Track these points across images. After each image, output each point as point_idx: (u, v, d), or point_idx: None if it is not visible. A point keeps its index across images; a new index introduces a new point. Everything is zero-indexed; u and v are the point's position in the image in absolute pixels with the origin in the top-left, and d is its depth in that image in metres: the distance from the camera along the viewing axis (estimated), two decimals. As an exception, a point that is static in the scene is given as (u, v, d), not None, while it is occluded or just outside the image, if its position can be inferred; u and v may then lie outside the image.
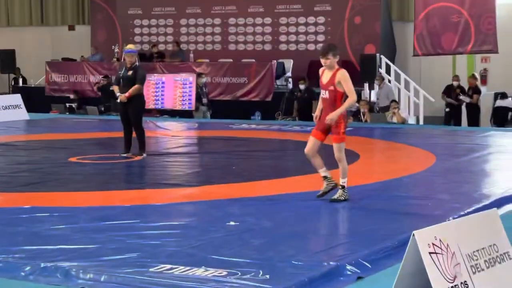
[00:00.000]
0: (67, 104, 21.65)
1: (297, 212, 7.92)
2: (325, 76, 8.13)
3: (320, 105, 8.31)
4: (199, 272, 5.65)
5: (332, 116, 8.01)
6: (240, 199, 8.69)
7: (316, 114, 8.34)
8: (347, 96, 8.11)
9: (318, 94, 8.62)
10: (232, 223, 7.28)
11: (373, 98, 19.90)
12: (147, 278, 5.52)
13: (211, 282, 5.39)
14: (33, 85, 24.37)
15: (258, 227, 7.22)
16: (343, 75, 8.02)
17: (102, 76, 21.91)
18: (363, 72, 19.79)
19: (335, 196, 8.18)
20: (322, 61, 8.05)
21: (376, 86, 19.56)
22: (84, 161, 11.70)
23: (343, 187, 8.22)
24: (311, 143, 8.26)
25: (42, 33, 27.62)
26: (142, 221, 7.47)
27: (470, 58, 21.48)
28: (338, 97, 8.06)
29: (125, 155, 12.08)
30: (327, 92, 8.08)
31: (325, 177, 8.29)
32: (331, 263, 5.82)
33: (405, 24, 22.44)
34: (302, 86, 18.89)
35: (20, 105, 19.29)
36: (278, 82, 21.08)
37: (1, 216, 7.75)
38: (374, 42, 21.65)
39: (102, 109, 21.10)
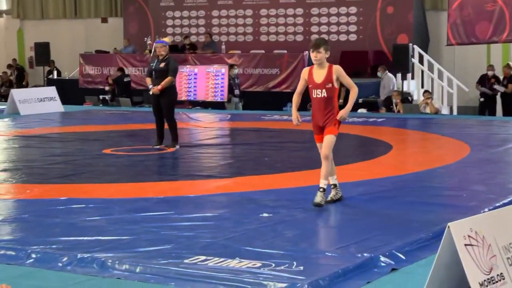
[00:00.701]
0: (101, 96, 21.82)
1: (329, 204, 7.90)
2: (316, 74, 7.58)
3: (295, 105, 7.82)
4: (233, 263, 5.68)
5: (345, 114, 7.59)
6: (273, 190, 8.71)
7: (294, 115, 7.81)
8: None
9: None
10: (265, 214, 7.30)
11: (406, 88, 19.81)
12: (181, 269, 5.57)
13: (245, 274, 5.42)
14: (67, 78, 24.58)
15: (291, 219, 7.23)
16: (340, 70, 7.56)
17: (118, 68, 22.10)
18: (396, 62, 19.68)
19: (316, 201, 7.52)
20: (313, 55, 7.51)
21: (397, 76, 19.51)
22: (117, 153, 11.80)
23: (323, 190, 7.59)
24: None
25: (75, 26, 27.83)
26: (176, 212, 7.52)
27: (505, 47, 21.25)
28: (335, 94, 7.64)
29: (158, 146, 12.16)
30: (324, 90, 7.54)
31: (334, 185, 7.86)
32: (365, 254, 5.81)
33: (438, 13, 22.25)
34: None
35: (55, 97, 19.48)
36: (310, 73, 21.02)
37: (38, 207, 7.85)
38: (407, 32, 21.50)
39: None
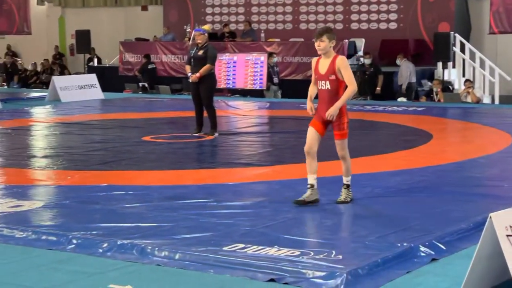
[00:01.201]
0: (140, 84, 21.95)
1: (368, 193, 7.87)
2: (322, 64, 7.19)
3: (310, 95, 7.39)
4: (272, 251, 5.69)
5: (332, 111, 7.10)
6: (312, 179, 8.67)
7: (308, 106, 7.36)
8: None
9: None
10: (304, 203, 7.28)
11: (446, 77, 19.61)
12: (220, 256, 5.58)
13: (284, 262, 5.42)
14: (107, 65, 24.76)
15: (330, 207, 7.21)
16: (343, 62, 7.10)
17: (144, 55, 22.21)
18: (437, 51, 19.49)
19: (341, 198, 7.33)
20: (316, 44, 7.12)
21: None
22: (157, 140, 11.87)
23: (347, 186, 7.39)
24: (311, 136, 7.31)
25: (116, 14, 28.01)
26: (215, 200, 7.55)
27: (548, 36, 20.91)
28: (340, 87, 7.15)
29: (197, 134, 12.20)
30: (327, 82, 7.12)
31: (312, 186, 7.31)
32: (404, 244, 5.77)
33: (480, 1, 21.94)
34: (367, 61, 18.78)
35: (95, 84, 19.65)
36: (350, 61, 20.88)
37: (79, 194, 7.94)
38: (448, 20, 21.25)
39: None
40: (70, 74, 25.19)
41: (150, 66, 22.01)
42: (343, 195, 7.36)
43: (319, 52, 7.19)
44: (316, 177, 7.32)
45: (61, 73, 25.47)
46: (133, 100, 19.08)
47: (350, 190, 7.41)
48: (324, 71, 7.16)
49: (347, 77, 7.10)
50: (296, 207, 7.14)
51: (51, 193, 8.16)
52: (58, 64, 26.96)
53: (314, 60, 7.36)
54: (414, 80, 19.19)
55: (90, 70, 23.53)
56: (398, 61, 19.37)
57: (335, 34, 7.33)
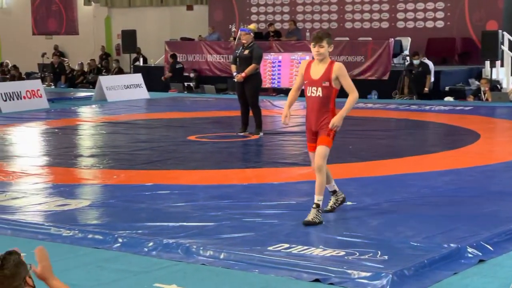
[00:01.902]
0: (186, 83, 22.05)
1: (415, 193, 7.80)
2: (315, 69, 6.64)
3: (289, 101, 6.92)
4: (317, 251, 5.67)
5: (337, 121, 6.60)
6: (357, 178, 8.64)
7: (284, 112, 6.85)
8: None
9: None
10: (349, 203, 7.24)
11: (494, 76, 19.33)
12: (265, 256, 5.58)
13: (329, 262, 5.39)
14: (152, 65, 24.91)
15: (375, 207, 7.17)
16: (341, 69, 6.59)
17: (170, 55, 22.33)
18: (484, 49, 19.21)
19: (308, 218, 6.50)
20: (315, 49, 6.59)
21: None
22: (202, 140, 11.90)
23: (318, 206, 6.57)
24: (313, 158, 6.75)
25: (161, 14, 28.18)
26: (260, 199, 7.55)
27: None
28: (332, 96, 6.62)
29: (242, 133, 12.21)
30: (319, 89, 6.56)
31: (333, 191, 7.00)
32: (451, 245, 5.70)
33: (529, -2, 21.60)
34: (416, 62, 18.58)
35: (141, 84, 19.81)
36: (395, 60, 20.74)
37: (125, 193, 8.00)
38: (497, 18, 20.94)
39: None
40: (119, 69, 25.29)
41: (178, 66, 22.14)
42: (311, 215, 6.52)
43: (317, 58, 6.64)
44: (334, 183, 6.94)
45: (107, 72, 25.71)
46: (179, 100, 19.18)
47: (320, 211, 6.57)
48: (317, 76, 6.61)
49: (347, 85, 6.64)
50: (340, 207, 7.08)
51: (97, 192, 8.24)
52: (105, 63, 27.18)
53: (304, 63, 6.80)
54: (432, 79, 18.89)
55: (136, 69, 23.71)
56: (415, 61, 18.87)
57: (332, 39, 6.89)
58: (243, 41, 12.14)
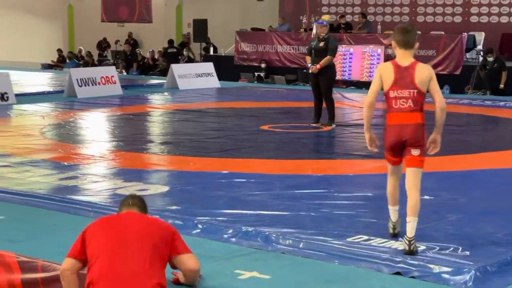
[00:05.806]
0: (256, 73, 22.13)
1: (492, 189, 7.73)
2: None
3: (368, 122, 6.05)
4: (396, 244, 5.66)
5: (439, 140, 5.98)
6: (434, 173, 8.51)
7: (370, 136, 6.12)
8: None
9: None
10: (426, 197, 7.17)
11: None
12: (345, 247, 5.60)
13: (409, 255, 5.37)
14: (223, 54, 25.06)
15: (453, 202, 7.12)
16: (432, 70, 5.69)
17: (168, 40, 22.47)
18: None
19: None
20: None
21: None
22: (275, 130, 11.94)
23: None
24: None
25: (232, 4, 28.31)
26: (336, 190, 7.56)
27: None
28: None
29: (314, 124, 12.22)
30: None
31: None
32: (534, 243, 5.64)
33: None
34: (490, 59, 18.27)
35: (212, 73, 19.94)
36: (468, 55, 20.45)
37: (202, 180, 8.10)
38: None
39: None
40: (188, 58, 25.48)
41: (170, 50, 22.33)
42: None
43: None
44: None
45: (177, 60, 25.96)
46: (249, 89, 19.25)
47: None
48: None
49: (436, 90, 5.68)
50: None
51: (175, 178, 8.36)
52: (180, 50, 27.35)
53: (387, 66, 5.70)
54: None
55: (206, 58, 23.87)
56: (489, 59, 18.39)
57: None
58: (321, 34, 12.15)
